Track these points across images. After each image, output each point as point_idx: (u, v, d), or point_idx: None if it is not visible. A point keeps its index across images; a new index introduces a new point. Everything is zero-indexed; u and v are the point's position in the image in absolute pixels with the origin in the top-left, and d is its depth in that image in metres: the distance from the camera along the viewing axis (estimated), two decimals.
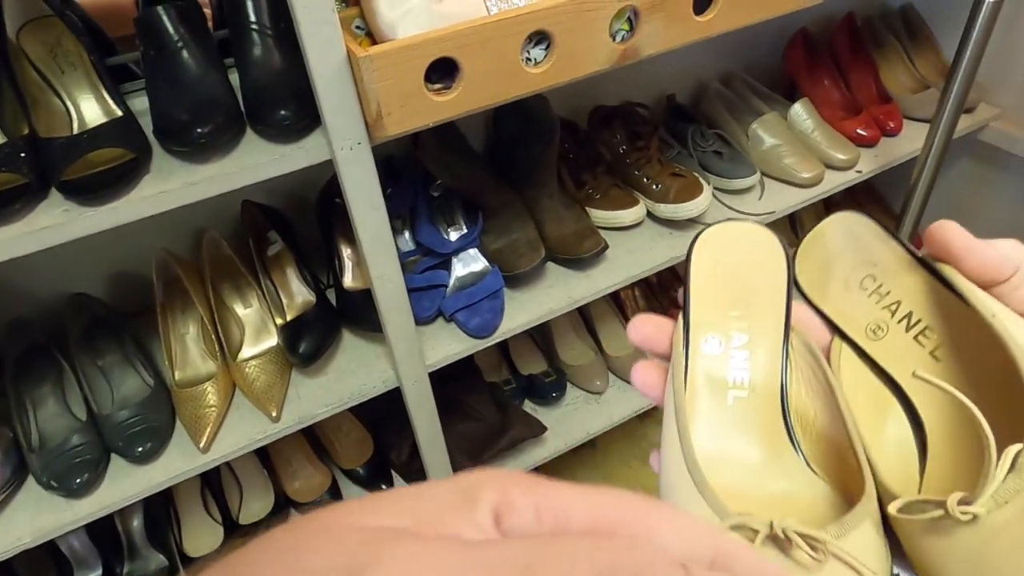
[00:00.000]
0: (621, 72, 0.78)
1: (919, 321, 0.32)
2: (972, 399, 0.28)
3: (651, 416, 1.64)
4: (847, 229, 0.35)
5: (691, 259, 0.37)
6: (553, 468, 1.21)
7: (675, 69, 1.23)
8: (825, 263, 0.36)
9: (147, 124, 0.72)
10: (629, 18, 0.74)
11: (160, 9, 0.70)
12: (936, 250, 0.31)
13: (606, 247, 1.00)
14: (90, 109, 0.71)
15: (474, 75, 0.69)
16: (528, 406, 1.25)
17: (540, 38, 0.71)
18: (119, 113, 0.70)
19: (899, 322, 0.32)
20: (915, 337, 0.32)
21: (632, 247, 1.05)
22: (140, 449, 0.82)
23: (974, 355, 0.30)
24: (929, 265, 0.31)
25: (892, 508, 0.27)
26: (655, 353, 0.36)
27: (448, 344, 0.94)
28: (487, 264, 0.98)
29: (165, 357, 0.90)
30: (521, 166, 1.02)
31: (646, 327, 0.36)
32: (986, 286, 0.29)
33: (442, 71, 0.69)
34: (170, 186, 0.66)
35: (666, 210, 1.04)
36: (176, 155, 0.69)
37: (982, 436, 0.25)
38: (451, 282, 0.97)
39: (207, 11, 0.81)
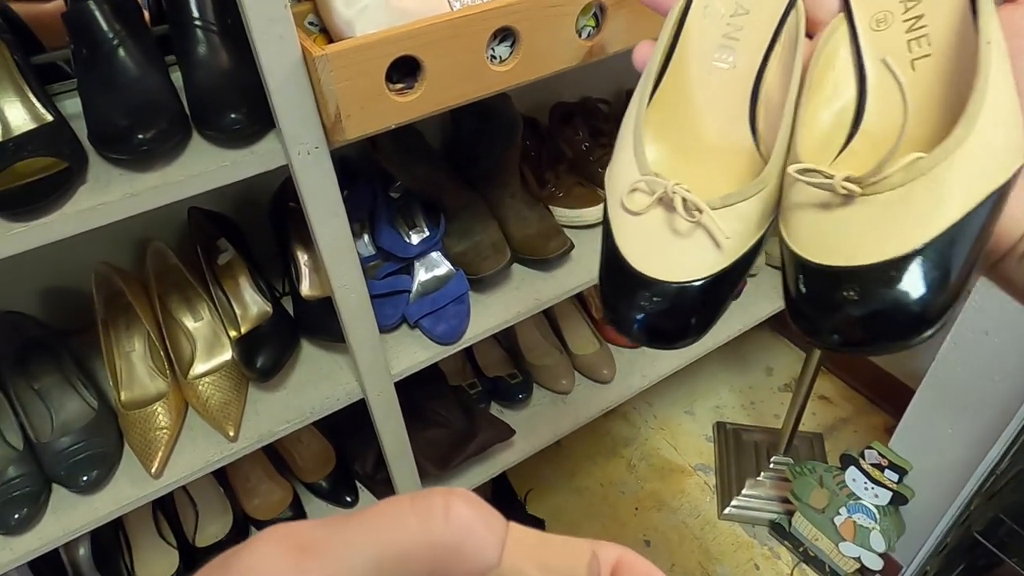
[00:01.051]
0: (581, 67, 0.76)
1: (924, 27, 0.31)
2: (928, 118, 0.29)
3: (616, 412, 1.65)
4: None
5: None
6: (518, 467, 1.20)
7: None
8: None
9: (81, 129, 0.66)
10: (595, 14, 0.72)
11: (92, 3, 0.65)
12: None
13: (572, 247, 0.98)
14: (15, 114, 0.64)
15: (437, 74, 0.65)
16: (494, 409, 1.22)
17: (505, 35, 0.68)
18: (49, 118, 0.64)
19: (905, 20, 0.32)
20: (909, 41, 0.31)
21: (597, 245, 1.02)
22: (85, 478, 0.76)
23: (951, 78, 0.30)
24: None
25: (791, 169, 0.29)
26: (661, 12, 0.36)
27: (414, 352, 0.90)
28: (451, 267, 0.95)
29: (109, 377, 0.84)
30: (483, 165, 0.99)
31: None
32: None
33: (403, 70, 0.65)
34: (109, 198, 0.61)
35: None
36: (115, 163, 0.64)
37: (900, 130, 0.27)
38: (414, 287, 0.94)
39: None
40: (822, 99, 0.32)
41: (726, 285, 0.32)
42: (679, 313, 0.32)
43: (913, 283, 0.25)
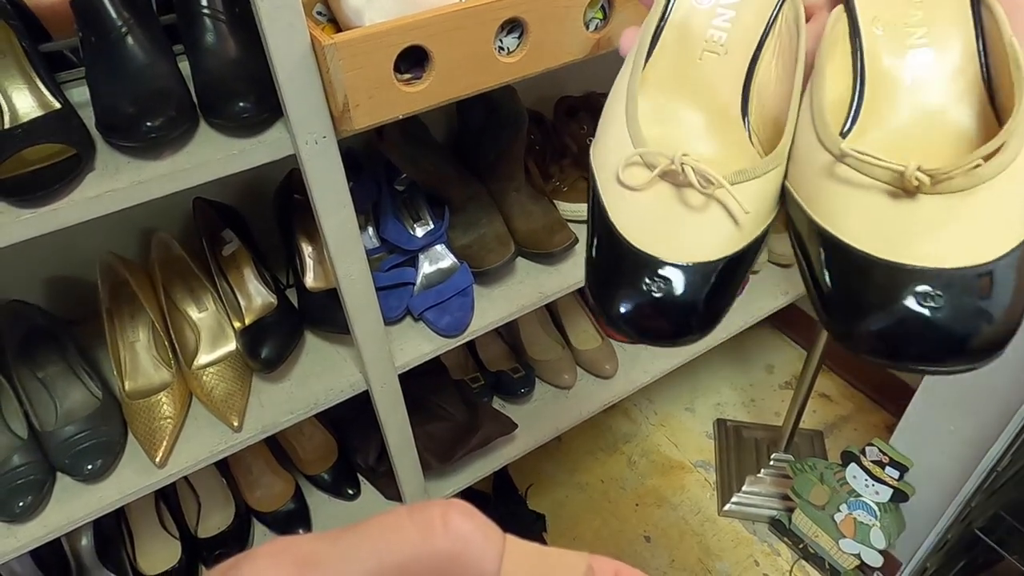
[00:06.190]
0: (586, 61, 0.76)
1: (923, 38, 0.30)
2: (931, 127, 0.29)
3: (616, 408, 1.65)
4: None
5: None
6: (519, 462, 1.20)
7: None
8: None
9: (88, 117, 0.66)
10: (603, 6, 0.72)
11: None
12: None
13: (576, 241, 0.98)
14: (23, 101, 0.64)
15: (445, 65, 0.65)
16: (496, 403, 1.22)
17: (513, 26, 0.68)
18: (56, 105, 0.64)
19: (906, 29, 0.30)
20: (910, 46, 0.30)
21: None
22: (90, 467, 0.76)
23: (952, 87, 0.29)
24: None
25: (846, 145, 0.26)
26: (646, 4, 0.36)
27: (417, 344, 0.90)
28: (455, 260, 0.96)
29: (113, 367, 0.84)
30: (488, 158, 0.99)
31: None
32: None
33: (411, 61, 0.66)
34: (118, 185, 0.61)
35: None
36: (123, 151, 0.64)
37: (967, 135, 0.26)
38: (418, 280, 0.94)
39: None
40: (826, 87, 0.30)
41: (740, 270, 0.29)
42: (687, 301, 0.28)
43: (1001, 296, 0.23)
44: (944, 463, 1.14)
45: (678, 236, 0.28)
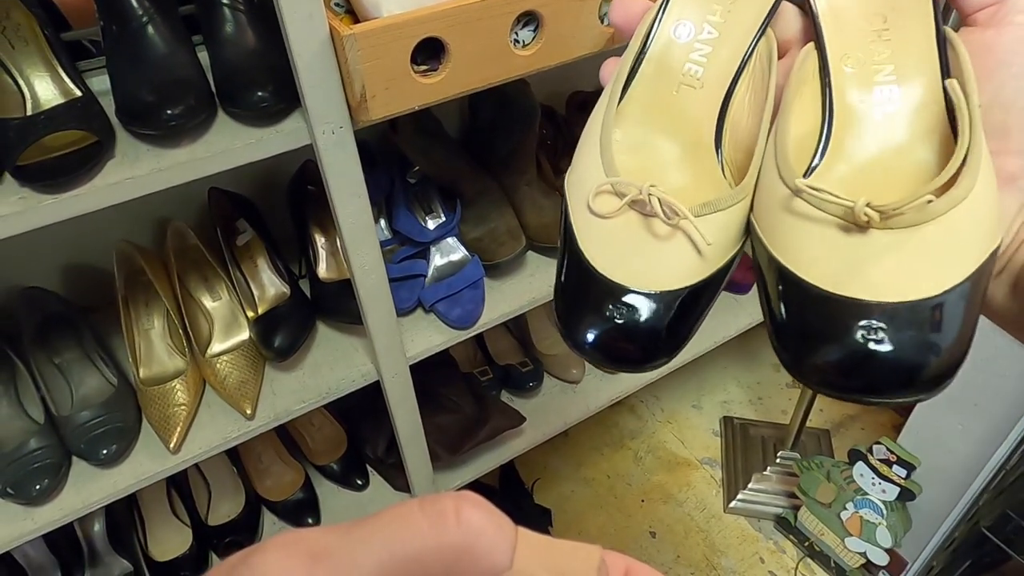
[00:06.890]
0: (598, 56, 0.76)
1: (892, 76, 0.31)
2: (892, 166, 0.29)
3: (623, 404, 1.66)
4: None
5: None
6: (526, 457, 1.21)
7: None
8: None
9: (108, 106, 0.67)
10: None
11: None
12: None
13: None
14: (45, 88, 0.65)
15: (461, 57, 0.66)
16: (505, 396, 1.23)
17: (529, 19, 0.68)
18: (78, 93, 0.65)
19: (874, 67, 0.31)
20: (876, 85, 0.31)
21: None
22: (105, 452, 0.77)
23: (913, 127, 0.30)
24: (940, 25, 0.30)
25: (799, 181, 0.27)
26: (626, 34, 0.36)
27: (428, 336, 0.91)
28: (466, 253, 0.96)
29: (128, 354, 0.85)
30: (499, 152, 1.00)
31: (633, 7, 0.36)
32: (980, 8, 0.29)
33: (427, 52, 0.66)
34: (138, 172, 0.62)
35: None
36: (143, 139, 0.65)
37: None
38: (430, 272, 0.95)
39: None
40: (792, 122, 0.31)
41: (703, 299, 0.30)
42: (650, 327, 0.28)
43: (944, 330, 0.24)
44: (951, 462, 1.14)
45: (643, 265, 0.29)
